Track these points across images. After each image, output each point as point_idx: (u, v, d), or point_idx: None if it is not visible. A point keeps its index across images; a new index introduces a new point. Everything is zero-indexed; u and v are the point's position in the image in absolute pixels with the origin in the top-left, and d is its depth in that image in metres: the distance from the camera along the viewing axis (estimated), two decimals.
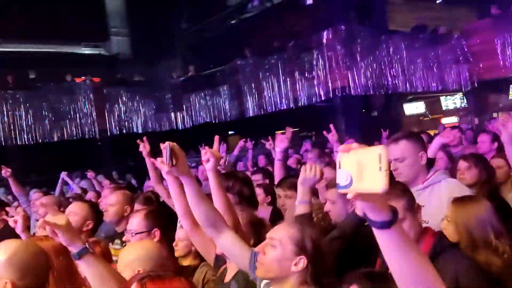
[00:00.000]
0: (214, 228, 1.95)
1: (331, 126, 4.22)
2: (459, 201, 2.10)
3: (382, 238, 1.01)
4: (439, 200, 2.29)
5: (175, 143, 1.87)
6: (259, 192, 3.74)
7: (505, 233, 1.88)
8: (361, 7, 12.03)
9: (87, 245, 1.70)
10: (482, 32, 12.67)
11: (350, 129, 10.45)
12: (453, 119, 14.37)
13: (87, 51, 16.41)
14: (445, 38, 13.11)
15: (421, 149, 2.40)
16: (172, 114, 13.63)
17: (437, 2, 16.54)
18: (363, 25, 11.52)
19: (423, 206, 2.32)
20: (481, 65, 12.85)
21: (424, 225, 2.06)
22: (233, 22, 14.79)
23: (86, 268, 1.69)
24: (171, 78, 14.23)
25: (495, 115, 11.93)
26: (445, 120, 14.63)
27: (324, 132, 4.45)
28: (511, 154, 2.59)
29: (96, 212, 3.08)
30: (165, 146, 1.83)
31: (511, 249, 1.92)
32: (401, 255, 1.01)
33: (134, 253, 2.01)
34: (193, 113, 13.62)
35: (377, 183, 0.89)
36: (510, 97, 14.21)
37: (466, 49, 12.90)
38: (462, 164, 2.97)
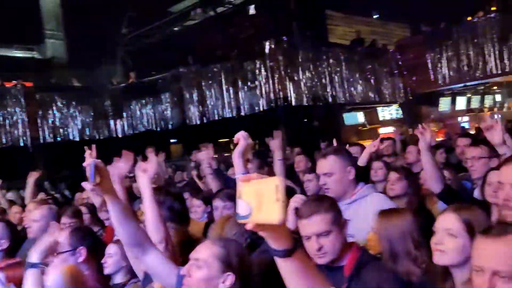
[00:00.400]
0: (138, 248, 1.87)
1: (275, 132, 4.23)
2: (383, 213, 2.17)
3: (283, 265, 1.05)
4: (365, 214, 2.34)
5: (99, 160, 1.81)
6: (199, 204, 3.68)
7: (425, 244, 1.96)
8: (303, 19, 12.33)
9: None
10: (415, 47, 13.41)
11: (291, 138, 10.62)
12: (390, 129, 15.04)
13: (19, 54, 15.51)
14: (381, 52, 13.75)
15: (349, 164, 2.46)
16: (112, 122, 13.16)
17: (374, 17, 17.36)
18: (304, 37, 11.81)
19: (349, 220, 2.39)
20: (414, 79, 13.58)
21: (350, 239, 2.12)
22: (176, 29, 14.60)
23: None
24: (110, 84, 13.76)
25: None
26: (382, 130, 15.28)
27: (267, 139, 4.49)
28: (426, 161, 2.72)
29: (12, 231, 2.87)
30: (88, 163, 1.78)
31: (430, 259, 2.00)
32: (302, 281, 1.06)
33: None
34: (133, 121, 13.25)
35: (274, 214, 0.91)
36: (440, 109, 15.14)
37: (400, 63, 13.59)
38: (393, 176, 3.08)
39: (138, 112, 13.20)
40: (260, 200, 0.93)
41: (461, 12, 14.50)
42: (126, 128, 13.22)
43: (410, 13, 14.76)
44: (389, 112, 15.27)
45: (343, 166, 2.41)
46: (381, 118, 15.29)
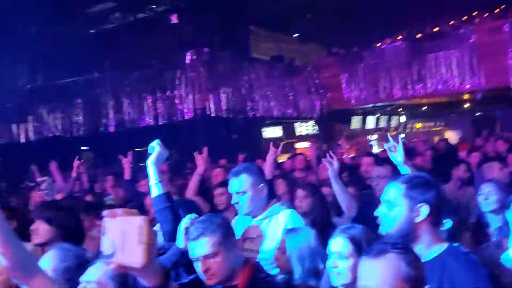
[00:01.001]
0: (21, 272, 1.66)
1: (204, 148, 4.49)
2: (291, 232, 2.18)
3: None
4: (276, 231, 2.37)
5: None
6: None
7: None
8: (226, 32, 12.40)
9: None
10: (330, 67, 14.12)
11: (210, 150, 10.53)
12: (306, 144, 15.59)
13: None
14: (300, 70, 14.28)
15: (261, 181, 2.47)
16: (14, 126, 12.10)
17: (294, 36, 18.00)
18: (226, 50, 11.87)
19: (260, 236, 2.39)
20: (329, 97, 14.26)
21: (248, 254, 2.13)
22: (92, 31, 13.88)
23: None
24: (14, 86, 12.65)
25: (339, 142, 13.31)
26: (299, 145, 15.80)
27: (195, 153, 4.42)
28: (336, 190, 2.82)
29: None
30: None
31: None
32: None
33: None
34: (39, 126, 12.28)
35: (136, 258, 0.86)
36: (352, 127, 16.05)
37: (317, 81, 14.20)
38: (300, 193, 3.14)
39: (44, 117, 12.27)
40: (124, 239, 0.86)
41: (372, 38, 15.59)
42: (30, 133, 12.22)
43: (326, 36, 15.53)
44: (306, 127, 15.85)
45: (255, 184, 2.43)
46: (298, 133, 15.81)
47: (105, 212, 0.89)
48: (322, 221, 2.97)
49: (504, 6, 14.88)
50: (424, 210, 1.65)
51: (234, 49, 12.37)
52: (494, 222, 2.92)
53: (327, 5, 15.49)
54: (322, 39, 16.41)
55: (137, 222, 0.87)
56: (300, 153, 6.45)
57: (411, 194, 1.66)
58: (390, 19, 16.48)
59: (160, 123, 10.93)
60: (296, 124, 15.48)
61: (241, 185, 2.40)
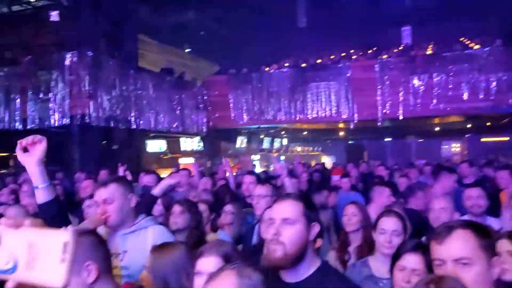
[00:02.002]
0: None
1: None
2: (156, 249, 2.07)
3: None
4: (143, 246, 2.27)
5: None
6: None
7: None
8: (112, 38, 11.80)
9: None
10: (220, 85, 14.28)
11: (85, 160, 9.78)
12: (190, 160, 15.44)
13: None
14: (190, 85, 14.17)
15: (130, 192, 2.39)
16: None
17: (186, 50, 17.93)
18: (112, 56, 11.26)
19: (126, 251, 2.23)
20: (216, 115, 14.35)
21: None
22: None
23: None
24: None
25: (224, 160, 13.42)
26: (183, 160, 15.58)
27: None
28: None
29: None
30: None
31: None
32: None
33: None
34: None
35: (55, 277, 0.74)
36: (237, 146, 16.35)
37: (206, 98, 14.22)
38: (176, 209, 3.01)
39: None
40: (35, 255, 0.74)
41: (261, 62, 16.24)
42: None
43: (218, 54, 15.75)
44: (191, 143, 15.71)
45: (124, 194, 2.34)
46: (183, 149, 15.60)
47: (3, 221, 0.75)
48: (198, 238, 2.88)
49: (376, 48, 16.73)
50: (316, 228, 1.70)
51: (120, 56, 11.82)
52: (355, 242, 3.10)
53: (221, 25, 15.79)
54: (214, 57, 16.59)
55: (61, 238, 0.75)
56: (184, 168, 6.29)
57: (308, 213, 1.69)
58: (279, 46, 17.42)
59: (28, 127, 9.83)
60: (182, 139, 15.26)
61: (109, 193, 2.28)
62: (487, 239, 1.50)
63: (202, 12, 15.13)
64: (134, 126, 11.42)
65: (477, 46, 13.28)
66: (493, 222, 3.21)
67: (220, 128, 14.54)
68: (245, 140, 16.51)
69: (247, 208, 4.22)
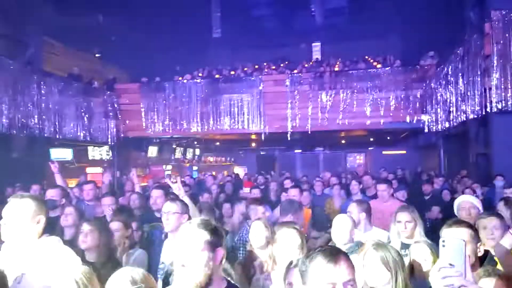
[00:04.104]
0: None
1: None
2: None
3: None
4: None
5: None
6: None
7: None
8: (12, 38, 11.00)
9: None
10: (131, 93, 13.92)
11: None
12: (98, 169, 14.78)
13: None
14: (98, 91, 13.63)
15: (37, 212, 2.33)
16: None
17: (96, 56, 17.20)
18: (14, 59, 10.48)
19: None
20: (127, 123, 13.97)
21: None
22: None
23: None
24: None
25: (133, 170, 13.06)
26: (90, 170, 14.86)
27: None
28: None
29: None
30: None
31: None
32: None
33: None
34: None
35: None
36: (148, 155, 16.00)
37: (116, 106, 13.77)
38: (86, 227, 2.98)
39: None
40: None
41: (174, 71, 16.18)
42: None
43: (130, 61, 15.34)
44: (99, 152, 15.05)
45: (29, 213, 2.27)
46: (90, 157, 14.90)
47: None
48: (107, 258, 2.87)
49: (287, 62, 17.49)
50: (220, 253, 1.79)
51: (22, 59, 11.06)
52: (262, 257, 3.29)
53: (133, 31, 15.43)
54: (125, 64, 16.12)
55: None
56: (90, 181, 6.06)
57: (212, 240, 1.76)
58: (193, 56, 17.47)
59: None
60: (89, 148, 14.58)
61: (10, 211, 2.25)
62: None
63: (113, 16, 14.67)
64: (36, 133, 10.72)
65: (379, 65, 14.47)
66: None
67: (130, 137, 14.16)
68: (157, 150, 16.23)
69: (155, 223, 4.21)
